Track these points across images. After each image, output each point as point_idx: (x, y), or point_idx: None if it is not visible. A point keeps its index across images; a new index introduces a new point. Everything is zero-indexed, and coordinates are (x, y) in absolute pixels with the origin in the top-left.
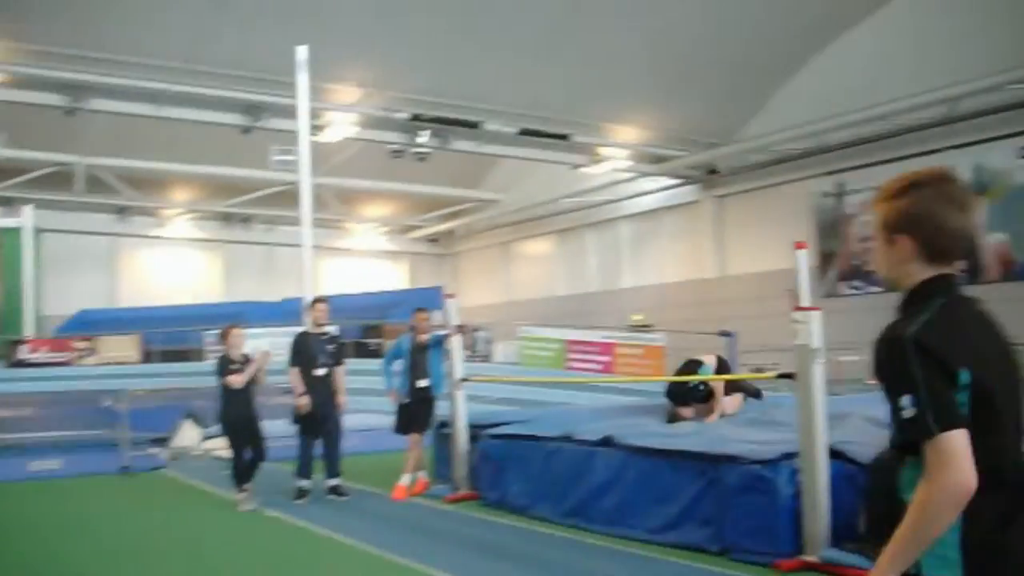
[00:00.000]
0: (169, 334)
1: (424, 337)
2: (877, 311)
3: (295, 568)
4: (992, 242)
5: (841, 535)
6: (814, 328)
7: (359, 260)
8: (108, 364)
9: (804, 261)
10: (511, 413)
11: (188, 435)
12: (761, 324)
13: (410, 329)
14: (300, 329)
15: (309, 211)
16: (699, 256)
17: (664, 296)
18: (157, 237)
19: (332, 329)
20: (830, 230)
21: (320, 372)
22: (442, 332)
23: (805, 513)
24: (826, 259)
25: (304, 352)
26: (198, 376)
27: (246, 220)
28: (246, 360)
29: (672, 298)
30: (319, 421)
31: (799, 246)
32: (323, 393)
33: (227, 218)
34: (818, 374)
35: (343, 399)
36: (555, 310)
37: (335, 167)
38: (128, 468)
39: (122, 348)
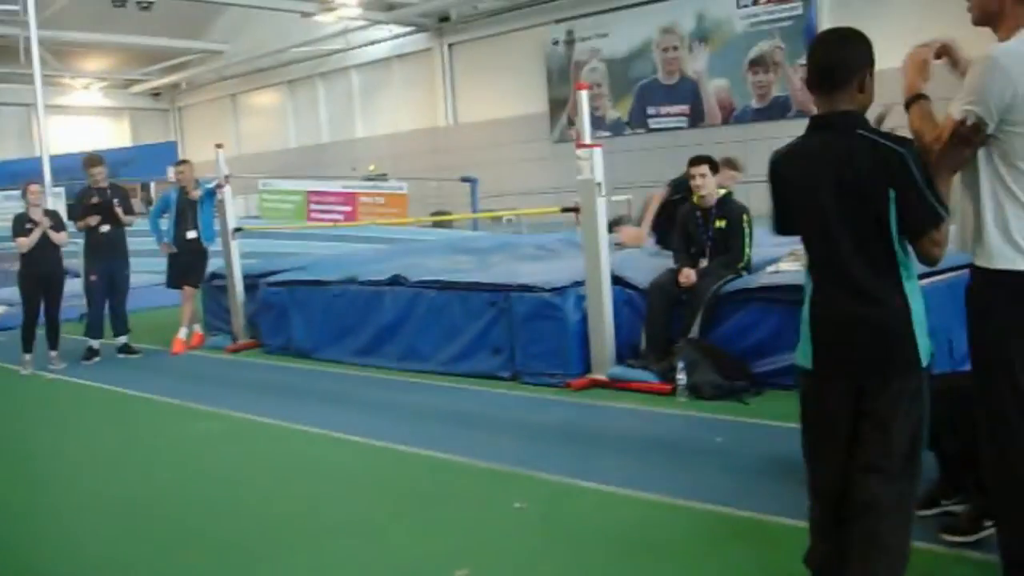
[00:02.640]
0: None
1: (195, 191)
2: (610, 155)
3: (91, 426)
4: (714, 88)
5: (624, 354)
6: (596, 164)
7: (78, 118)
8: None
9: (585, 101)
10: (283, 262)
11: None
12: (497, 171)
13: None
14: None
15: (39, 66)
16: (432, 105)
17: (398, 145)
18: None
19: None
20: (561, 77)
21: (104, 229)
22: (211, 183)
23: (592, 335)
24: (557, 106)
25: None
26: None
27: None
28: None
29: (407, 147)
30: (109, 278)
31: (580, 87)
32: (110, 250)
33: None
34: (600, 205)
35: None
36: (289, 163)
37: (50, 18)
38: None
39: None
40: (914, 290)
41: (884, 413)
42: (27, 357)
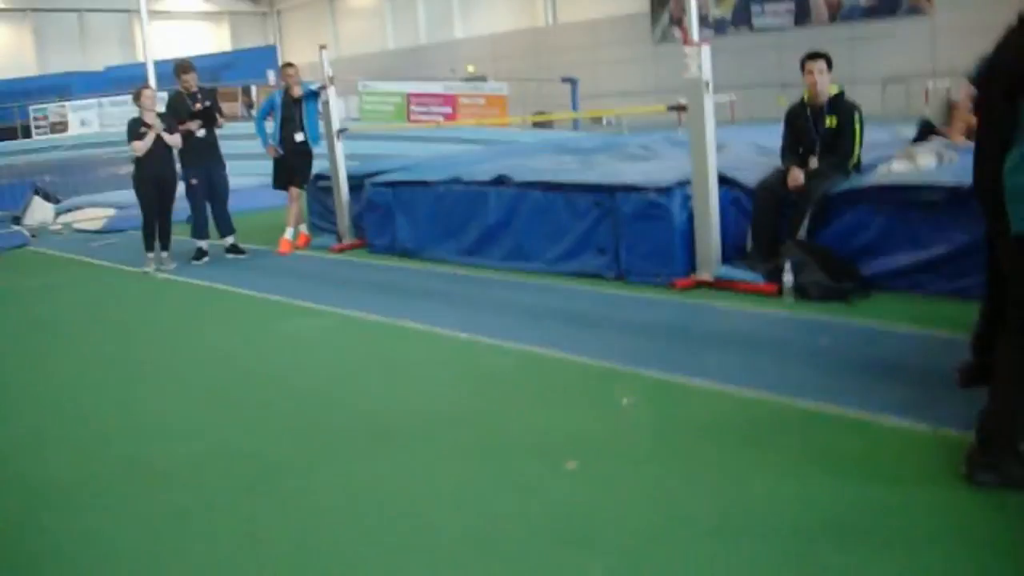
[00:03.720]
0: None
1: (297, 90)
2: (715, 53)
3: (200, 323)
4: None
5: (730, 254)
6: (704, 62)
7: (178, 23)
8: None
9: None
10: (385, 163)
11: (40, 211)
12: (597, 71)
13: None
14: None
15: None
16: (532, 5)
17: (498, 46)
18: None
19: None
20: None
21: (200, 133)
22: (315, 85)
23: (698, 235)
24: (658, 5)
25: (180, 113)
26: (35, 152)
27: None
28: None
29: (506, 48)
30: (207, 181)
31: None
32: (206, 153)
33: None
34: (708, 104)
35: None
36: (387, 65)
37: None
38: None
39: None
40: None
41: None
42: (149, 255)
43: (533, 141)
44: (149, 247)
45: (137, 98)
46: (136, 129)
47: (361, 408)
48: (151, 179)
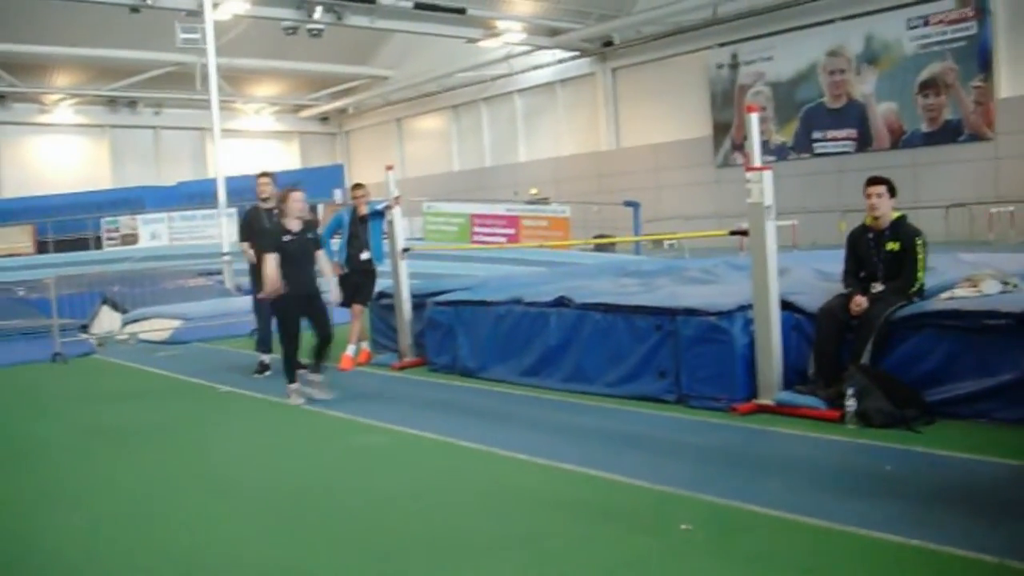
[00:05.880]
0: (63, 223)
1: (364, 209)
2: (777, 179)
3: (274, 436)
4: (882, 111)
5: (791, 379)
6: (766, 187)
7: (250, 141)
8: (4, 254)
9: (755, 123)
10: (448, 283)
11: (107, 320)
12: (658, 195)
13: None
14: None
15: (216, 91)
16: (594, 129)
17: (560, 169)
18: (40, 124)
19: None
20: (724, 101)
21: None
22: (381, 204)
23: (759, 360)
24: (720, 130)
25: (256, 226)
26: (105, 263)
27: (132, 104)
28: (306, 228)
29: (568, 171)
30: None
31: (750, 109)
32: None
33: (112, 102)
34: (770, 229)
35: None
36: (451, 185)
37: (225, 46)
38: (60, 355)
39: (15, 239)
40: None
41: None
42: (293, 386)
43: (595, 263)
44: (292, 376)
45: (283, 201)
46: (279, 235)
47: (407, 528)
48: (295, 297)
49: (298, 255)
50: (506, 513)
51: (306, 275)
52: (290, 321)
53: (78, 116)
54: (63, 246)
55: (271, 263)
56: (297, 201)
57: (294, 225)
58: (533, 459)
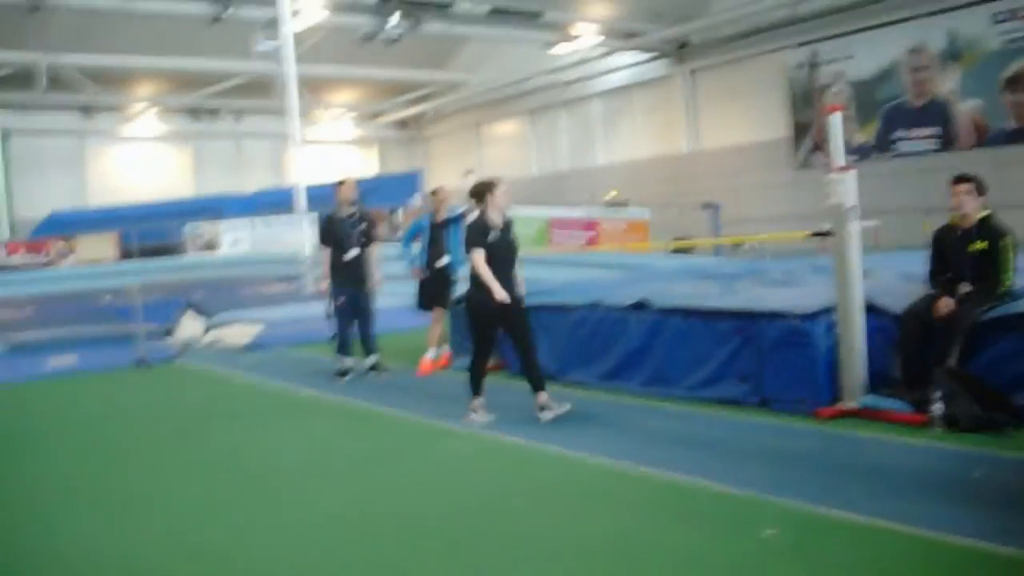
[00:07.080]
0: (147, 231)
1: (442, 214)
2: (859, 179)
3: (349, 439)
4: (966, 109)
5: (876, 382)
6: (849, 187)
7: (329, 149)
8: (90, 263)
9: (838, 123)
10: (528, 286)
11: (190, 326)
12: (738, 197)
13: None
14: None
15: (296, 99)
16: (672, 131)
17: (638, 172)
18: (124, 136)
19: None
20: (804, 101)
21: (352, 253)
22: (460, 209)
23: (842, 363)
24: (800, 131)
25: (334, 233)
26: (190, 269)
27: (213, 113)
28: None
29: (646, 174)
30: (354, 301)
31: (832, 109)
32: (355, 274)
33: (194, 111)
34: (853, 230)
35: (377, 278)
36: (529, 190)
37: (302, 54)
38: (143, 361)
39: (100, 247)
40: None
41: None
42: (477, 401)
43: (674, 266)
44: (477, 388)
45: (489, 191)
46: (483, 234)
47: (490, 537)
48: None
49: (503, 254)
50: (590, 516)
51: (510, 278)
52: (486, 330)
53: (160, 125)
54: (147, 253)
55: (482, 263)
56: (505, 194)
57: (498, 220)
58: (615, 462)
